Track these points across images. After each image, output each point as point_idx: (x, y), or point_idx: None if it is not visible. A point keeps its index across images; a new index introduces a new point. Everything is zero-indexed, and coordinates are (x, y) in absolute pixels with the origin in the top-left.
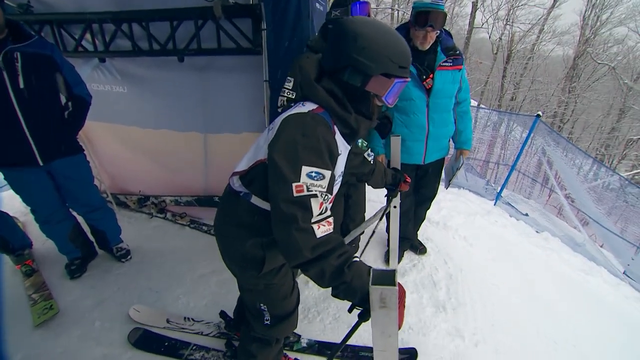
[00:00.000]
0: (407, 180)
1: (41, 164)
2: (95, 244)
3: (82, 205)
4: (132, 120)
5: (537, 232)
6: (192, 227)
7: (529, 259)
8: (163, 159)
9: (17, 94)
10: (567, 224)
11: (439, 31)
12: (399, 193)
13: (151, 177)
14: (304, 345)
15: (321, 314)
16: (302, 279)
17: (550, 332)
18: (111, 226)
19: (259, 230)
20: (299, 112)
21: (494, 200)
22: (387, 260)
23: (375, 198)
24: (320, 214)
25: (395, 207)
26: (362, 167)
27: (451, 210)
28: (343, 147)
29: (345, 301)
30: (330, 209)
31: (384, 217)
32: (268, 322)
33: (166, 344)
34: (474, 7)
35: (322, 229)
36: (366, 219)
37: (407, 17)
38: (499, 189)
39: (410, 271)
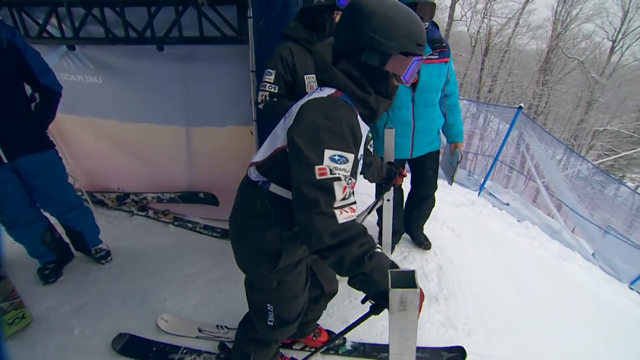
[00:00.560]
0: (404, 174)
1: (5, 161)
2: (71, 245)
3: (55, 205)
4: (109, 113)
5: (518, 221)
6: (176, 225)
7: (513, 247)
8: (143, 154)
9: None
10: (542, 211)
11: (427, 23)
12: (392, 187)
13: (131, 173)
14: (349, 348)
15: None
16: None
17: (535, 318)
18: (89, 226)
19: (278, 219)
20: (318, 97)
21: (478, 191)
22: None
23: (362, 191)
24: (344, 198)
25: (388, 200)
26: (365, 157)
27: (438, 201)
28: (364, 129)
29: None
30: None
31: (374, 211)
32: (272, 323)
33: (154, 349)
34: (454, 0)
35: (345, 215)
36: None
37: None
38: (482, 180)
39: (401, 263)
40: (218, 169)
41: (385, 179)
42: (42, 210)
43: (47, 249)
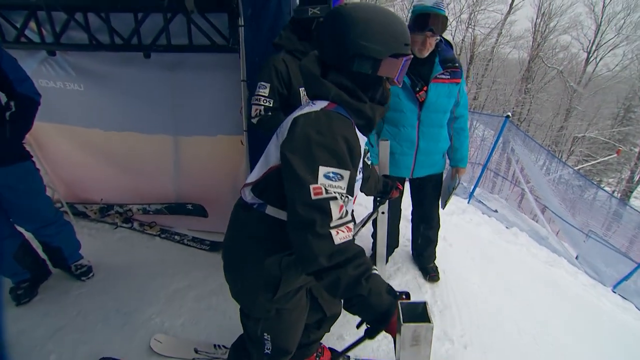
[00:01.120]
0: (399, 187)
1: None
2: (48, 262)
3: (31, 220)
4: (92, 121)
5: (506, 227)
6: (163, 237)
7: (503, 255)
8: (128, 163)
9: None
10: (527, 215)
11: (438, 39)
12: (387, 200)
13: (115, 183)
14: None
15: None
16: None
17: (529, 328)
18: (68, 241)
19: (276, 244)
20: (310, 111)
21: (467, 199)
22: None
23: (360, 201)
24: (340, 217)
25: (383, 212)
26: (363, 170)
27: None
28: (362, 141)
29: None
30: None
31: (370, 223)
32: (269, 351)
33: None
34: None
35: (341, 235)
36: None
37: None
38: (472, 187)
39: (395, 275)
40: (207, 179)
41: (381, 193)
42: (16, 225)
43: (21, 266)
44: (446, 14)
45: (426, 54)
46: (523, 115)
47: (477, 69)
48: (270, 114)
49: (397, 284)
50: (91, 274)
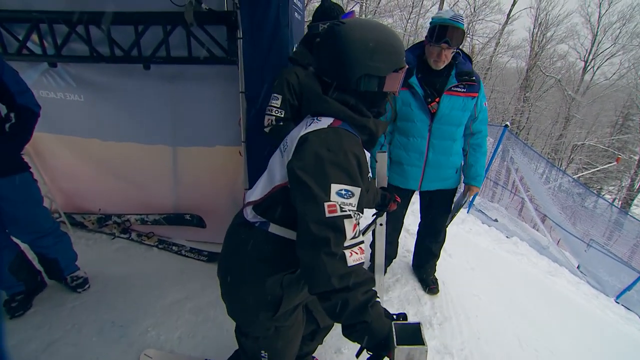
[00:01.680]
0: (397, 200)
1: None
2: (43, 273)
3: (27, 231)
4: (91, 132)
5: (507, 237)
6: (161, 248)
7: (503, 265)
8: (127, 174)
9: None
10: (528, 224)
11: (455, 52)
12: (385, 212)
13: (113, 193)
14: None
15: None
16: None
17: (530, 340)
18: (65, 252)
19: (278, 263)
20: (318, 128)
21: (467, 208)
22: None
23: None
24: (354, 237)
25: (381, 224)
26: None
27: None
28: (367, 156)
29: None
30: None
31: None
32: None
33: None
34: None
35: (354, 257)
36: None
37: None
38: (471, 197)
39: (393, 286)
40: (205, 190)
41: (379, 205)
42: (11, 236)
43: (15, 279)
44: (464, 29)
45: (442, 65)
46: (522, 124)
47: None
48: (281, 123)
49: (396, 296)
50: (87, 286)
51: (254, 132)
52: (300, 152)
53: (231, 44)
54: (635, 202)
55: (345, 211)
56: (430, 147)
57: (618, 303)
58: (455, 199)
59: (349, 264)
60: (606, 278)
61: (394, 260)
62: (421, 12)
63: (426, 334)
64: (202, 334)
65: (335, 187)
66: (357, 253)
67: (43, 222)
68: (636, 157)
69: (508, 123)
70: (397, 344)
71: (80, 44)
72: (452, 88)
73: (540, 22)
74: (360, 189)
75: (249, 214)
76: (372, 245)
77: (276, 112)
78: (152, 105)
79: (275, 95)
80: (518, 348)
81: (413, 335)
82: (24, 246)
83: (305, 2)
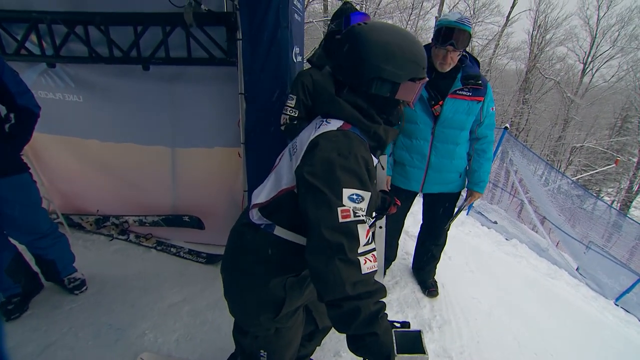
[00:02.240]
0: (397, 203)
1: None
2: (41, 275)
3: (26, 232)
4: (90, 132)
5: (506, 239)
6: (159, 250)
7: (503, 267)
8: (125, 175)
9: None
10: (527, 225)
11: (461, 54)
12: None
13: (111, 195)
14: None
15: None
16: None
17: (529, 343)
18: (62, 254)
19: (282, 265)
20: (327, 131)
21: (467, 211)
22: None
23: None
24: (367, 243)
25: (380, 227)
26: None
27: None
28: (374, 162)
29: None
30: None
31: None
32: None
33: None
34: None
35: (368, 265)
36: None
37: None
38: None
39: (393, 289)
40: (204, 191)
41: (379, 208)
42: (9, 237)
43: (12, 281)
44: (471, 31)
45: (447, 68)
46: (521, 126)
47: None
48: (295, 122)
49: (395, 298)
50: (84, 288)
51: (253, 134)
52: (310, 157)
53: (230, 45)
54: (634, 204)
55: (359, 216)
56: (432, 149)
57: (617, 305)
58: (457, 203)
59: (363, 272)
60: (605, 280)
61: (393, 263)
62: (421, 13)
63: (426, 338)
64: (200, 336)
65: (346, 192)
66: (370, 261)
67: (42, 223)
68: (635, 159)
69: (508, 125)
70: (398, 353)
71: (79, 44)
72: (457, 91)
73: (540, 25)
74: (370, 193)
75: (255, 216)
76: None
77: (291, 111)
78: (151, 106)
79: (290, 95)
80: (517, 351)
81: (414, 343)
82: (21, 247)
83: (306, 3)
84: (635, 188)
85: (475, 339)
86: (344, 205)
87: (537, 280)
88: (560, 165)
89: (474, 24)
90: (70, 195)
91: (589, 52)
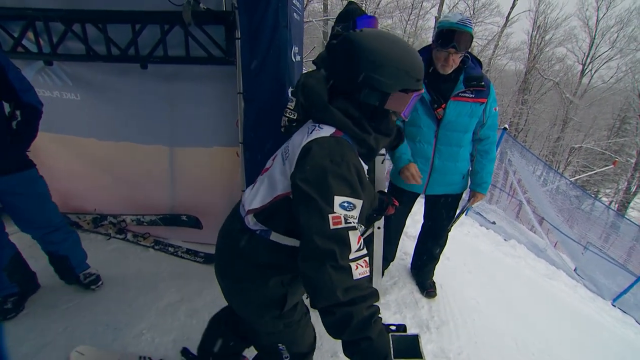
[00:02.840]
0: (395, 203)
1: None
2: (55, 273)
3: (38, 225)
4: (87, 131)
5: (505, 240)
6: (157, 249)
7: (501, 268)
8: (123, 174)
9: None
10: (525, 226)
11: (464, 56)
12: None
13: (109, 194)
14: None
15: None
16: None
17: (527, 343)
18: (75, 250)
19: (280, 268)
20: (320, 137)
21: (465, 211)
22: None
23: None
24: (358, 249)
25: (379, 228)
26: None
27: None
28: (365, 168)
29: None
30: None
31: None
32: (288, 359)
33: None
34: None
35: (360, 271)
36: None
37: None
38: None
39: (391, 289)
40: (202, 190)
41: (377, 209)
42: (22, 231)
43: (10, 280)
44: (472, 32)
45: (449, 70)
46: (520, 126)
47: None
48: (294, 124)
49: (394, 299)
50: (100, 282)
51: (252, 133)
52: (303, 163)
53: (229, 44)
54: (631, 205)
55: (350, 223)
56: (436, 152)
57: (615, 306)
58: (460, 204)
59: (354, 277)
60: (603, 281)
61: (391, 263)
62: (420, 13)
63: (424, 339)
64: (197, 337)
65: (338, 199)
66: (362, 266)
67: (53, 216)
68: (633, 160)
69: (507, 125)
70: (395, 358)
71: (76, 42)
72: (459, 94)
73: (539, 25)
74: (361, 201)
75: (250, 221)
76: (370, 247)
77: (290, 113)
78: (149, 105)
79: (291, 97)
80: (515, 352)
81: (411, 347)
82: (21, 247)
83: (305, 2)
84: (633, 189)
85: (473, 339)
86: (335, 213)
87: (535, 280)
88: (558, 166)
89: (473, 24)
90: (68, 194)
91: (588, 53)
